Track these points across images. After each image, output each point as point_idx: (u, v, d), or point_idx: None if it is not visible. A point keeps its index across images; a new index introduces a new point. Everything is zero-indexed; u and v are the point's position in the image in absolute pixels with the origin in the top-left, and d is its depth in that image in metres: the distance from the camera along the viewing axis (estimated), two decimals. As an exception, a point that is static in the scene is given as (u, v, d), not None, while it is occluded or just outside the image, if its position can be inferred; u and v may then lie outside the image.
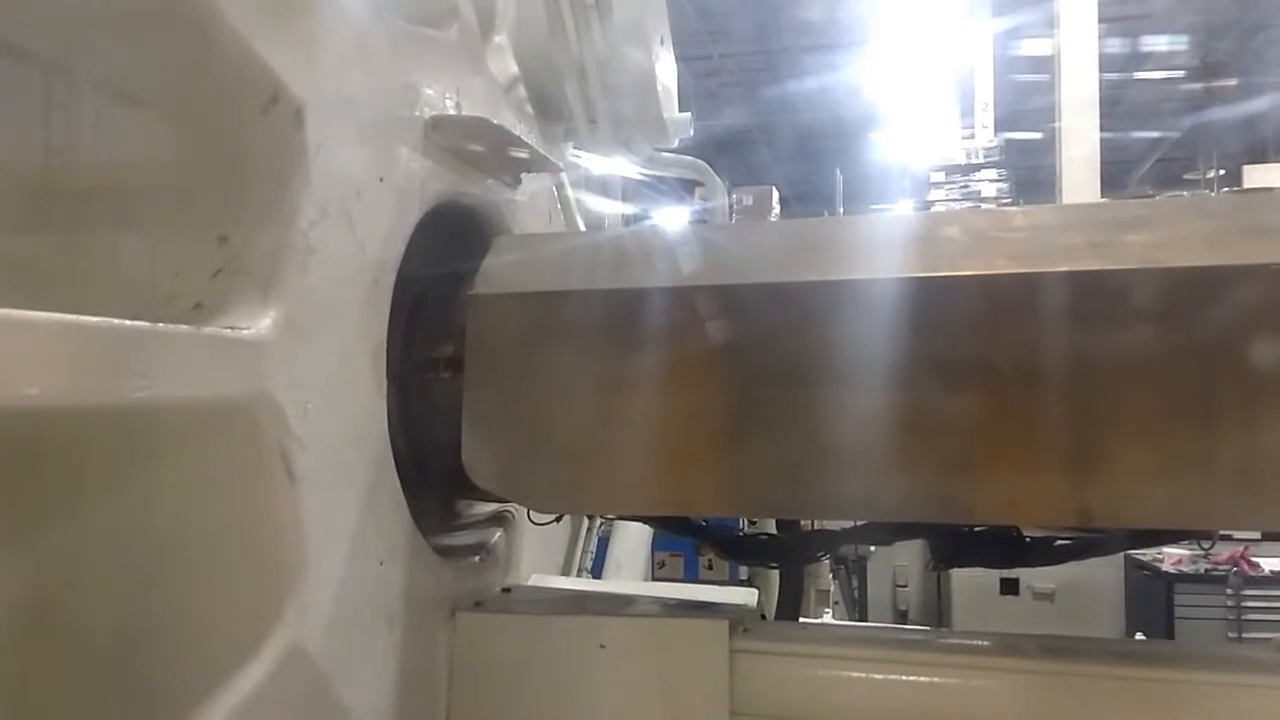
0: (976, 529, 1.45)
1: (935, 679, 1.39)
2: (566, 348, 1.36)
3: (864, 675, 1.40)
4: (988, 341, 1.25)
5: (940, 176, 10.73)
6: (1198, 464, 1.21)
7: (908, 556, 6.21)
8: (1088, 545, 1.51)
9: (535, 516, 1.53)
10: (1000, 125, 10.50)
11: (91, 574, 1.01)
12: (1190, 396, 1.20)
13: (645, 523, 1.72)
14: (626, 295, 1.35)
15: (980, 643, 1.44)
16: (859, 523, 1.57)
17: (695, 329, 1.31)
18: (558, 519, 1.66)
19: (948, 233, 1.36)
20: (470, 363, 1.38)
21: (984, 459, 1.26)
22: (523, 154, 1.62)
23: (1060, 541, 1.52)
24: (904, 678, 1.39)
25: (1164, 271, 1.21)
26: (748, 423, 1.29)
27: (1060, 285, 1.24)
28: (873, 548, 5.58)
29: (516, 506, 1.78)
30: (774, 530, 1.69)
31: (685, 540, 4.85)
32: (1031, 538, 1.47)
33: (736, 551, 1.84)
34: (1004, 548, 1.47)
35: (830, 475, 1.28)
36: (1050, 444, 1.24)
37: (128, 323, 0.93)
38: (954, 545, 1.48)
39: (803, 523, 1.75)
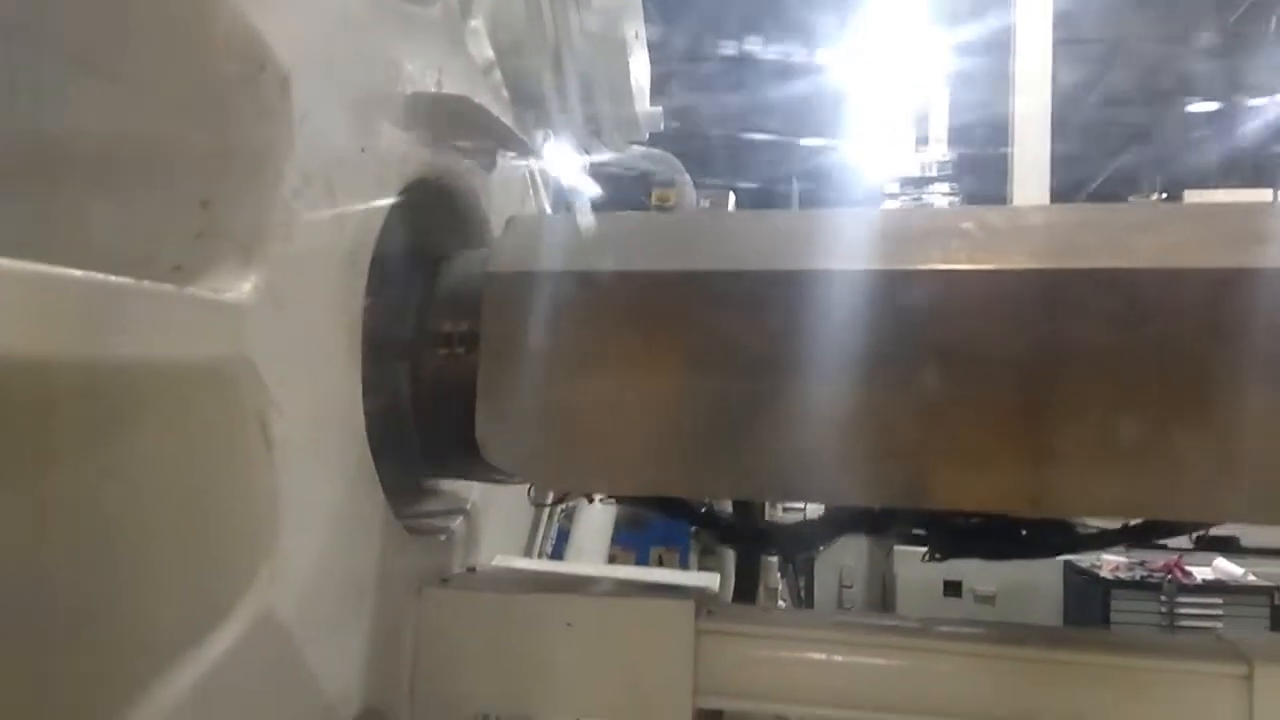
0: (974, 521, 1.49)
1: (895, 661, 1.42)
2: (580, 327, 1.38)
3: (826, 657, 1.43)
4: (945, 333, 1.30)
5: (895, 188, 10.92)
6: (1150, 458, 1.26)
7: (854, 557, 6.31)
8: (1080, 540, 1.56)
9: (539, 496, 1.55)
10: (954, 138, 10.70)
11: (62, 533, 1.00)
12: (1144, 392, 1.26)
13: (649, 508, 1.74)
14: (642, 277, 1.37)
15: (938, 628, 1.48)
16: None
17: (699, 313, 1.34)
18: (561, 500, 1.68)
19: (921, 226, 1.40)
20: (485, 340, 1.40)
21: (939, 446, 1.31)
22: (501, 135, 1.63)
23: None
24: (865, 660, 1.43)
25: (1120, 272, 1.26)
26: (742, 409, 1.32)
27: (1021, 283, 1.29)
28: (820, 548, 5.66)
29: (481, 487, 1.79)
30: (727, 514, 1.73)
31: (640, 535, 4.88)
32: (1028, 531, 1.51)
33: (735, 537, 1.86)
34: (1000, 540, 1.51)
35: (803, 460, 1.31)
36: (1005, 433, 1.29)
37: (106, 276, 0.92)
38: (952, 537, 1.52)
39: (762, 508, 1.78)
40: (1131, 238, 1.34)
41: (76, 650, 1.01)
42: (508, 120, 1.71)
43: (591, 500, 1.82)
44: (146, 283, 0.98)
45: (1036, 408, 1.28)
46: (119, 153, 1.13)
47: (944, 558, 1.60)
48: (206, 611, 1.08)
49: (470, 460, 1.45)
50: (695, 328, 1.36)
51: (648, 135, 2.35)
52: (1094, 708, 1.39)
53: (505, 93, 1.90)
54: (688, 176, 2.62)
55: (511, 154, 1.78)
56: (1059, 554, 1.65)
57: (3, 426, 0.93)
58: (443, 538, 1.63)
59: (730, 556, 4.33)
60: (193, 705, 1.02)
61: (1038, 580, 5.84)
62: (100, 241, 1.10)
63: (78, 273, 0.89)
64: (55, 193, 1.13)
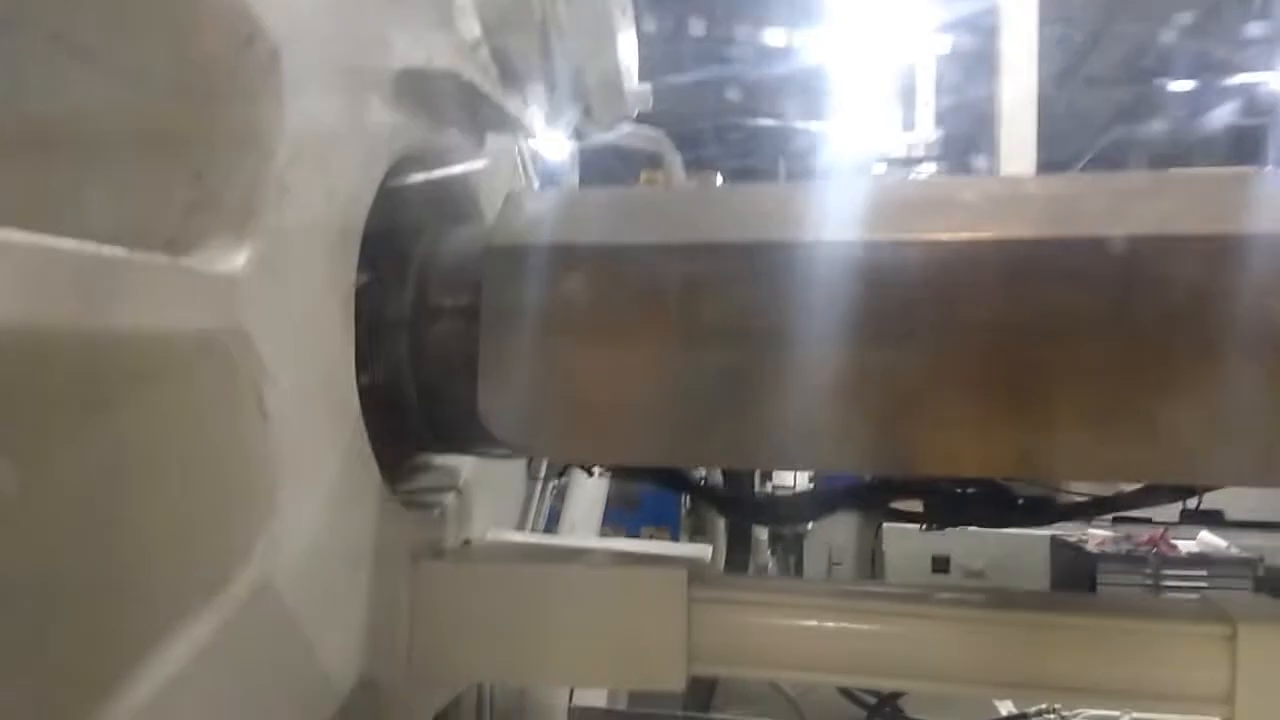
0: (970, 490, 1.51)
1: (887, 627, 1.44)
2: (580, 300, 1.39)
3: (818, 624, 1.45)
4: (936, 301, 1.32)
5: (882, 168, 10.92)
6: (1142, 422, 1.28)
7: (843, 534, 6.35)
8: (1073, 508, 1.58)
9: (538, 469, 1.57)
10: (940, 118, 10.69)
11: (60, 503, 1.01)
12: (1137, 356, 1.28)
13: (647, 480, 1.76)
14: (639, 250, 1.39)
15: (929, 594, 1.50)
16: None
17: (696, 284, 1.35)
18: (561, 473, 1.69)
19: (914, 196, 1.42)
20: (485, 314, 1.41)
21: (929, 412, 1.33)
22: (489, 112, 1.63)
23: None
24: (857, 626, 1.45)
25: (1115, 239, 1.28)
26: (739, 378, 1.34)
27: (1012, 250, 1.31)
28: (809, 525, 5.70)
29: (473, 463, 1.80)
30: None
31: (631, 515, 4.91)
32: (1024, 499, 1.53)
33: (734, 509, 1.88)
34: (996, 508, 1.53)
35: (798, 429, 1.33)
36: (995, 399, 1.31)
37: (100, 247, 0.93)
38: (947, 505, 1.54)
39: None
40: (1126, 204, 1.36)
41: (76, 619, 1.02)
42: (496, 97, 1.71)
43: (591, 473, 1.83)
44: (140, 254, 0.99)
45: (1028, 373, 1.30)
46: (109, 127, 1.13)
47: (940, 526, 1.63)
48: (205, 581, 1.09)
49: (471, 434, 1.46)
50: (692, 299, 1.38)
51: (636, 113, 2.35)
52: (1082, 669, 1.41)
53: (493, 70, 1.90)
54: (678, 154, 2.63)
55: (500, 131, 1.78)
56: (1052, 521, 1.67)
57: (2, 394, 0.94)
58: (436, 512, 1.65)
59: (722, 536, 4.35)
60: (192, 673, 1.04)
61: (1025, 554, 5.90)
62: (94, 216, 1.10)
63: (72, 243, 0.89)
64: (47, 168, 1.13)
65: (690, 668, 1.42)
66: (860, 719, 1.70)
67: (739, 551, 2.40)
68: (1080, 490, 1.61)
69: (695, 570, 1.47)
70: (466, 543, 1.68)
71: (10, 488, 0.95)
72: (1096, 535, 6.01)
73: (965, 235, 1.33)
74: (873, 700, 1.66)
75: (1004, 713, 2.39)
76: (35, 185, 1.11)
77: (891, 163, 11.14)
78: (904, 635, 1.42)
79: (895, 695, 1.64)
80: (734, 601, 1.45)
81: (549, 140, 2.36)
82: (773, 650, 1.44)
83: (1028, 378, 1.30)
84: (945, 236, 1.33)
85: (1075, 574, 5.83)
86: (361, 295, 1.41)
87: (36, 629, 0.99)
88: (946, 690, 1.42)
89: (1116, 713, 2.67)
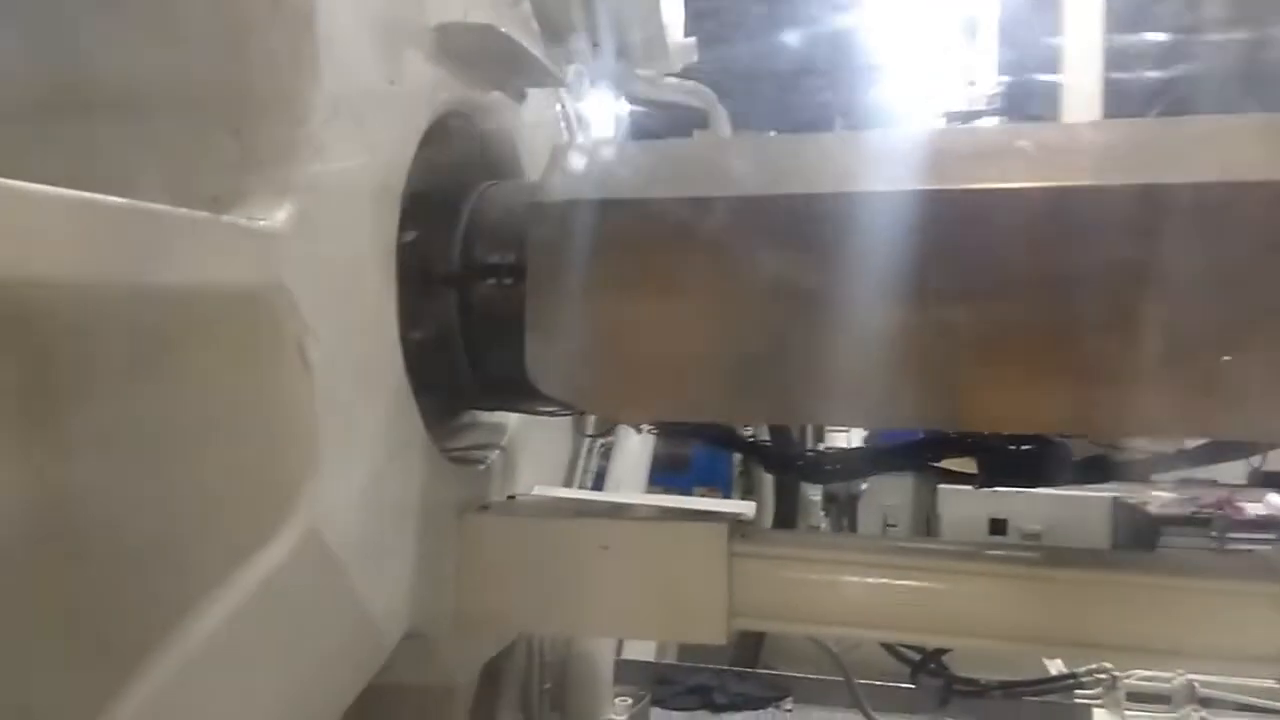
0: (1024, 447, 1.48)
1: (930, 583, 1.43)
2: (627, 255, 1.38)
3: (860, 579, 1.45)
4: (992, 253, 1.29)
5: (942, 124, 10.67)
6: (1209, 375, 1.24)
7: (898, 495, 6.30)
8: (1135, 466, 1.54)
9: (585, 425, 1.57)
10: (1003, 70, 10.39)
11: (113, 457, 1.04)
12: (1203, 308, 1.23)
13: (695, 437, 1.76)
14: (687, 204, 1.37)
15: (974, 549, 1.49)
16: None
17: (745, 238, 1.34)
18: (608, 431, 1.70)
19: (972, 145, 1.38)
20: (532, 271, 1.41)
21: (983, 367, 1.30)
22: (530, 67, 1.63)
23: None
24: (899, 581, 1.44)
25: (1171, 187, 1.23)
26: (789, 333, 1.32)
27: (1068, 200, 1.27)
28: (864, 485, 5.66)
29: (518, 421, 1.82)
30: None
31: (682, 476, 4.92)
32: (1080, 458, 1.50)
33: (783, 466, 1.87)
34: (1052, 466, 1.50)
35: (849, 384, 1.32)
36: (1052, 352, 1.28)
37: (148, 205, 0.95)
38: (1001, 463, 1.52)
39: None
40: (1189, 151, 1.31)
41: (130, 567, 1.06)
42: (537, 52, 1.70)
43: (639, 430, 1.84)
44: (185, 210, 1.01)
45: (1085, 326, 1.26)
46: (151, 86, 1.15)
47: (994, 485, 1.60)
48: (254, 532, 1.11)
49: (518, 391, 1.47)
50: (740, 252, 1.36)
51: (680, 67, 2.33)
52: (1134, 628, 1.39)
53: (534, 24, 1.89)
54: (723, 109, 2.59)
55: (542, 86, 1.78)
56: (1110, 480, 1.63)
57: (54, 352, 0.97)
58: (482, 467, 1.67)
59: (770, 495, 4.34)
60: (240, 620, 1.07)
61: (1085, 516, 5.77)
62: (139, 174, 1.13)
63: (120, 200, 0.92)
64: (94, 129, 1.15)
65: (731, 621, 1.43)
66: (905, 675, 1.69)
67: (786, 510, 2.39)
68: (1141, 449, 1.57)
69: (737, 526, 1.48)
70: (511, 498, 1.70)
71: (68, 441, 0.99)
72: (1160, 497, 5.87)
73: (1019, 184, 1.29)
74: (917, 657, 1.65)
75: (1054, 672, 2.37)
76: (86, 142, 1.14)
77: (952, 117, 10.88)
78: (945, 591, 1.41)
79: (940, 651, 1.63)
80: (775, 557, 1.45)
81: (594, 97, 2.35)
82: (812, 605, 1.44)
83: (1085, 331, 1.27)
84: (998, 185, 1.29)
85: (1137, 536, 5.70)
86: (407, 252, 1.43)
87: (94, 580, 1.03)
88: (989, 647, 1.41)
89: (1170, 673, 2.63)
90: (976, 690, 1.79)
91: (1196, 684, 2.70)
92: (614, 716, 2.08)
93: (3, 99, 1.19)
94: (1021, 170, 1.32)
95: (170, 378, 1.04)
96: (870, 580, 1.45)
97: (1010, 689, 2.03)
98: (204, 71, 1.14)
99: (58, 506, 0.98)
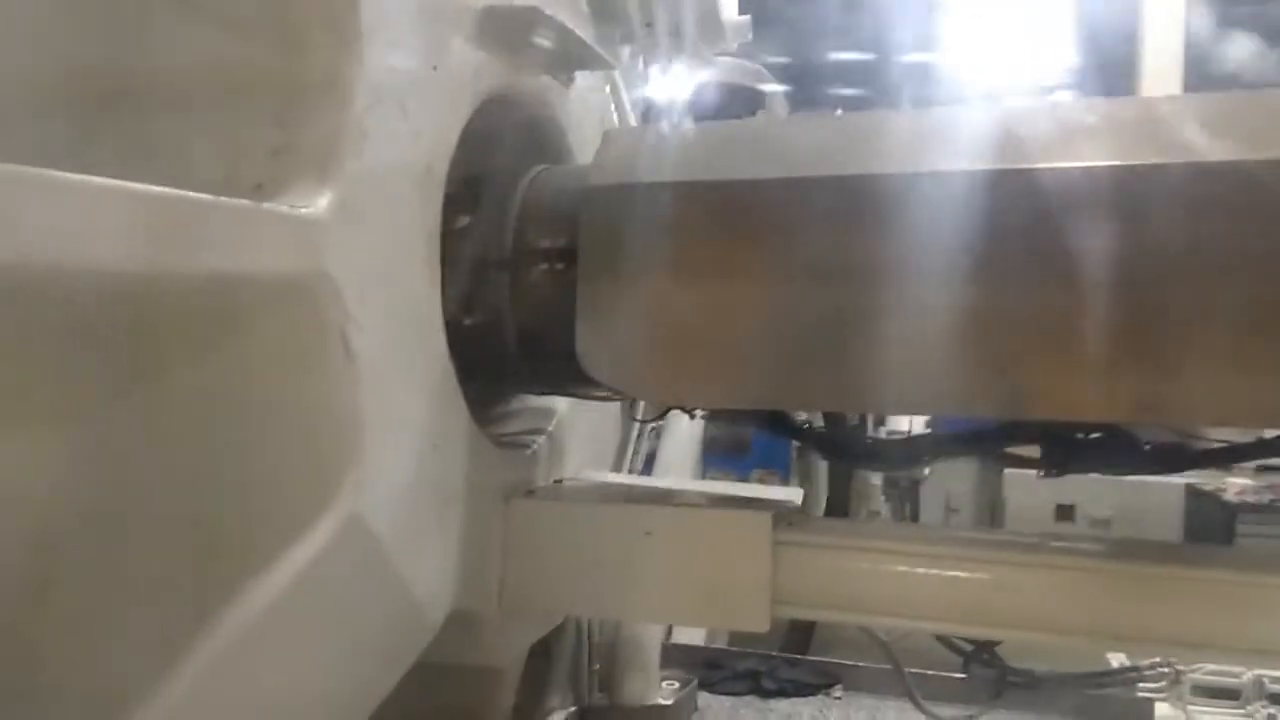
0: (1092, 435, 1.44)
1: (981, 574, 1.40)
2: (680, 239, 1.37)
3: (907, 569, 1.42)
4: (1056, 234, 1.24)
5: (1014, 99, 10.39)
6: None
7: (961, 480, 6.19)
8: (1208, 455, 1.48)
9: (637, 410, 1.57)
10: (1079, 43, 10.07)
11: (164, 443, 1.06)
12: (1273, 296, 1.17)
13: (749, 423, 1.75)
14: (741, 186, 1.36)
15: (1030, 540, 1.45)
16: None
17: (805, 221, 1.31)
18: (660, 416, 1.69)
19: (1039, 125, 1.33)
20: (584, 255, 1.41)
21: (1047, 352, 1.26)
22: (577, 49, 1.62)
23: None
24: (949, 573, 1.41)
25: (1248, 165, 1.17)
26: (846, 317, 1.30)
27: (1139, 178, 1.22)
28: (927, 471, 5.57)
29: (568, 405, 1.82)
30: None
31: (741, 459, 4.90)
32: (1152, 445, 1.44)
33: (838, 452, 1.84)
34: (1121, 454, 1.45)
35: (907, 369, 1.29)
36: (1119, 336, 1.23)
37: (192, 194, 0.96)
38: (1067, 450, 1.47)
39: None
40: (1269, 127, 1.24)
41: (180, 551, 1.08)
42: (585, 34, 1.69)
43: (692, 415, 1.83)
44: (229, 199, 1.02)
45: (1156, 310, 1.21)
46: (195, 75, 1.16)
47: (1060, 473, 1.55)
48: (298, 517, 1.13)
49: (569, 376, 1.47)
50: (796, 235, 1.34)
51: (735, 46, 2.29)
52: (1198, 623, 1.34)
53: (583, 4, 1.88)
54: (779, 88, 2.55)
55: (591, 69, 1.76)
56: (1182, 469, 1.57)
57: (104, 340, 0.99)
58: (529, 452, 1.67)
59: (825, 481, 4.29)
60: (286, 603, 1.09)
61: (1157, 503, 5.59)
62: (183, 162, 1.15)
63: (166, 190, 0.93)
64: (139, 119, 1.17)
65: (774, 609, 1.41)
66: (958, 665, 1.66)
67: (839, 495, 2.36)
68: (1217, 437, 1.50)
69: (781, 513, 1.46)
70: (558, 482, 1.71)
71: (119, 427, 1.01)
72: (1236, 484, 5.66)
73: (1087, 163, 1.24)
74: (970, 647, 1.62)
75: (1114, 664, 2.31)
76: (131, 132, 1.16)
77: (1025, 92, 10.58)
78: (995, 582, 1.38)
79: (992, 643, 1.60)
80: (819, 545, 1.44)
81: (650, 79, 2.33)
82: (858, 594, 1.42)
83: (1156, 315, 1.21)
84: (1072, 164, 1.25)
85: (1211, 525, 5.52)
86: (457, 237, 1.43)
87: (148, 562, 1.06)
88: (1041, 640, 1.37)
89: (1240, 669, 2.55)
90: (1030, 681, 1.76)
91: (1266, 680, 2.61)
92: (661, 700, 2.08)
93: (65, 92, 1.22)
94: (1097, 148, 1.26)
95: (214, 367, 1.06)
96: (919, 571, 1.42)
97: (1068, 681, 1.98)
98: (249, 59, 1.15)
99: (111, 491, 1.01)
